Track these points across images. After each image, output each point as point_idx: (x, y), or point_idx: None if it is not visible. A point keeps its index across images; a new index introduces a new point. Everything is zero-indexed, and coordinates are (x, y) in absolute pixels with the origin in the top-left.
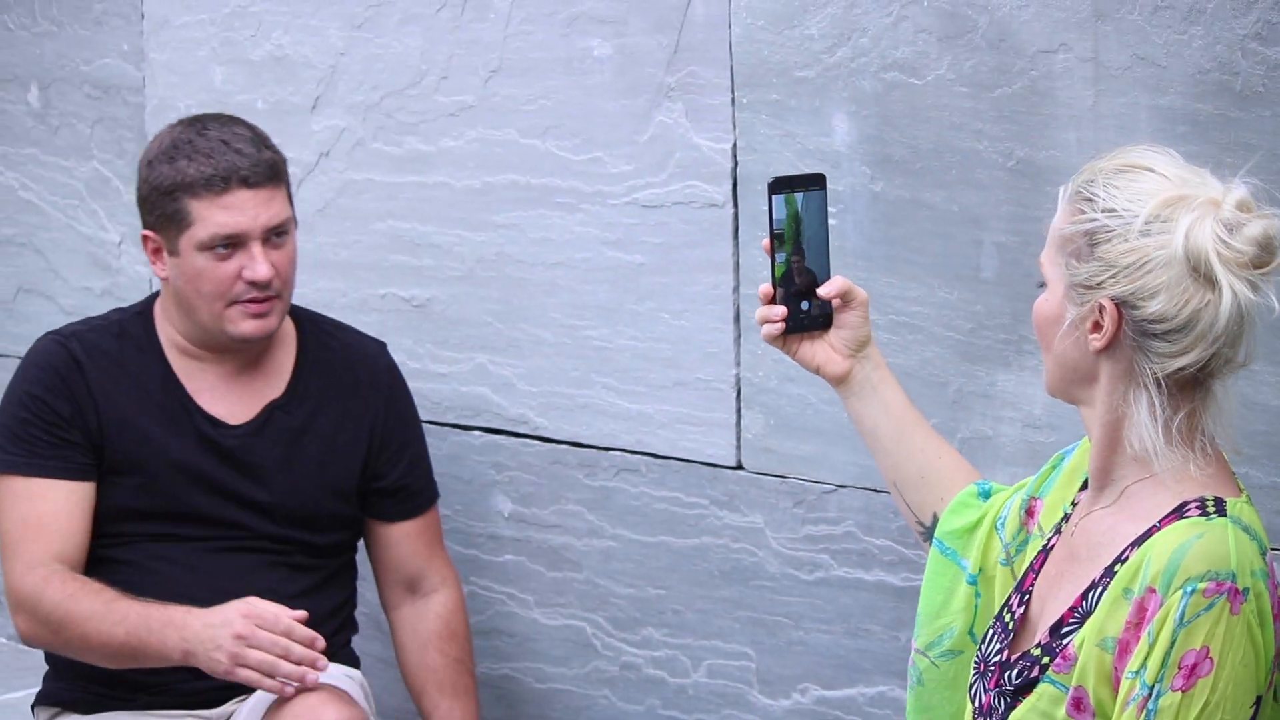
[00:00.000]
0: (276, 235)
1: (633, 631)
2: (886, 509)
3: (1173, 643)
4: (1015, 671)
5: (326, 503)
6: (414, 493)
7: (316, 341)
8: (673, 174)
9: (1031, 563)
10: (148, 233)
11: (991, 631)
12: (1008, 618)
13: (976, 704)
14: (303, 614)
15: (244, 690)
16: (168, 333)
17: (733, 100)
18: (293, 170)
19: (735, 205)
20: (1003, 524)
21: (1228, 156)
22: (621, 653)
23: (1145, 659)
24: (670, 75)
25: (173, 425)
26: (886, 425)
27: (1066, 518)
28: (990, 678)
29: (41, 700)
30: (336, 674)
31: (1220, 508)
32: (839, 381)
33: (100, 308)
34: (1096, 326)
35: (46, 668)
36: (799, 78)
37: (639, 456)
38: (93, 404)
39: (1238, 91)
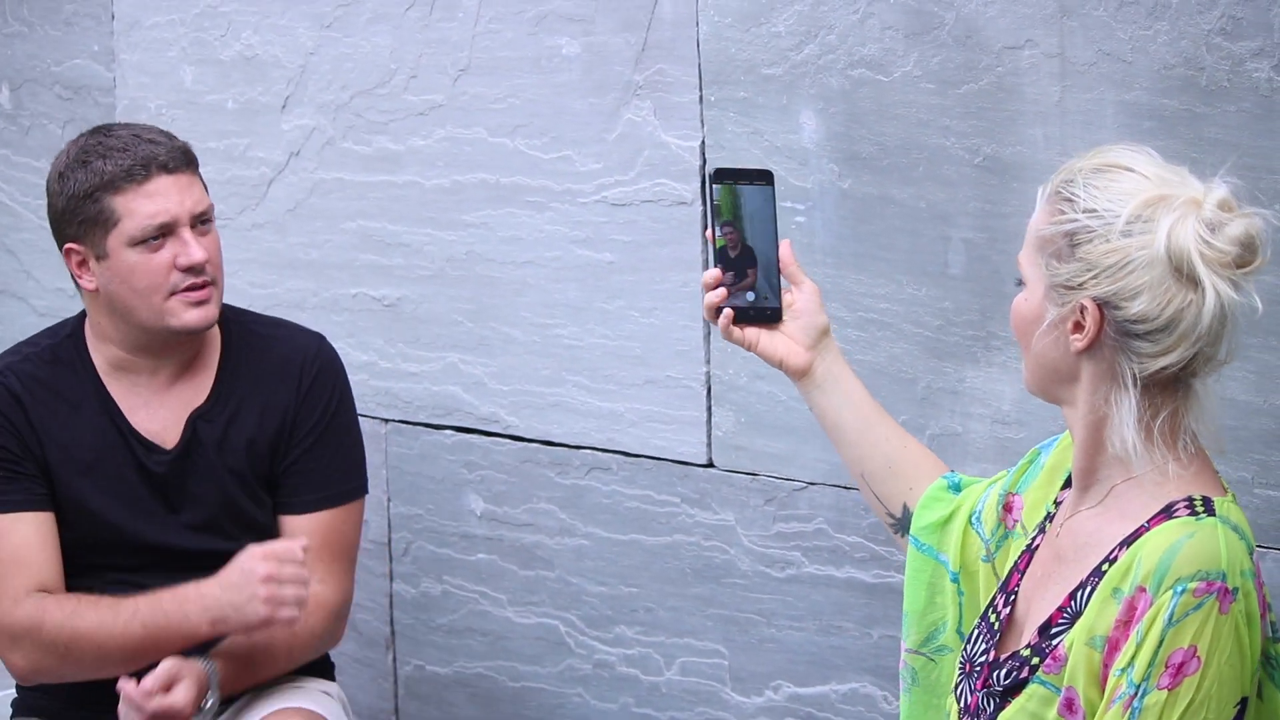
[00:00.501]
0: (203, 223)
1: (605, 630)
2: (857, 506)
3: (1161, 641)
4: (1004, 672)
5: (259, 507)
6: (308, 485)
7: (242, 341)
8: (641, 172)
9: (1016, 563)
10: (71, 245)
11: (977, 632)
12: (993, 618)
13: (962, 704)
14: (304, 541)
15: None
16: (100, 351)
17: (701, 98)
18: (262, 170)
19: (704, 203)
20: (979, 519)
21: (1194, 152)
22: (595, 651)
23: (1133, 657)
24: (638, 73)
25: (110, 453)
26: (851, 418)
27: (1050, 517)
28: (977, 678)
29: (17, 710)
30: (314, 691)
31: (1209, 507)
32: (801, 374)
33: (73, 308)
34: (1078, 327)
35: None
36: (766, 75)
37: (610, 455)
38: (36, 438)
39: (1203, 87)
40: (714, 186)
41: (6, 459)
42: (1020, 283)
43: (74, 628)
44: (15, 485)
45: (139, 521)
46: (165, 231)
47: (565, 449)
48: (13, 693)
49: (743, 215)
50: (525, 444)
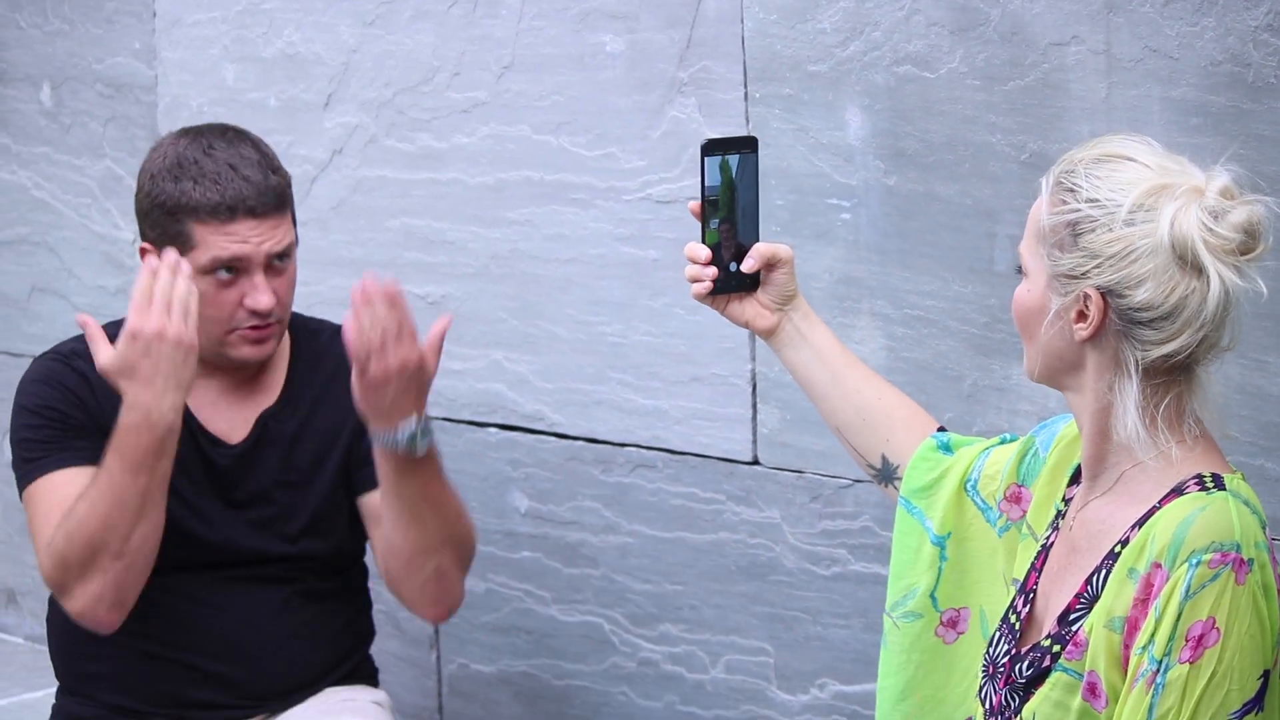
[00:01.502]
0: (279, 260)
1: (650, 627)
2: None
3: (1179, 615)
4: (1026, 664)
5: (326, 505)
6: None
7: (311, 350)
8: (686, 169)
9: (1033, 563)
10: (146, 245)
11: (998, 634)
12: (1013, 619)
13: (987, 706)
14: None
15: (259, 709)
16: None
17: (745, 95)
18: (305, 168)
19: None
20: (974, 488)
21: (1241, 148)
22: (639, 649)
23: (1153, 634)
24: (683, 70)
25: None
26: (820, 371)
27: (1060, 514)
28: (1000, 678)
29: (55, 716)
30: (365, 703)
31: (1219, 482)
32: (768, 335)
33: (114, 306)
34: (1081, 316)
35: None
36: (812, 72)
37: (655, 452)
38: (101, 417)
39: (1250, 83)
40: (706, 160)
41: (71, 426)
42: (1021, 272)
43: (76, 519)
44: (77, 443)
45: (196, 517)
46: (238, 269)
47: (610, 446)
48: (45, 694)
49: (736, 194)
50: (570, 441)
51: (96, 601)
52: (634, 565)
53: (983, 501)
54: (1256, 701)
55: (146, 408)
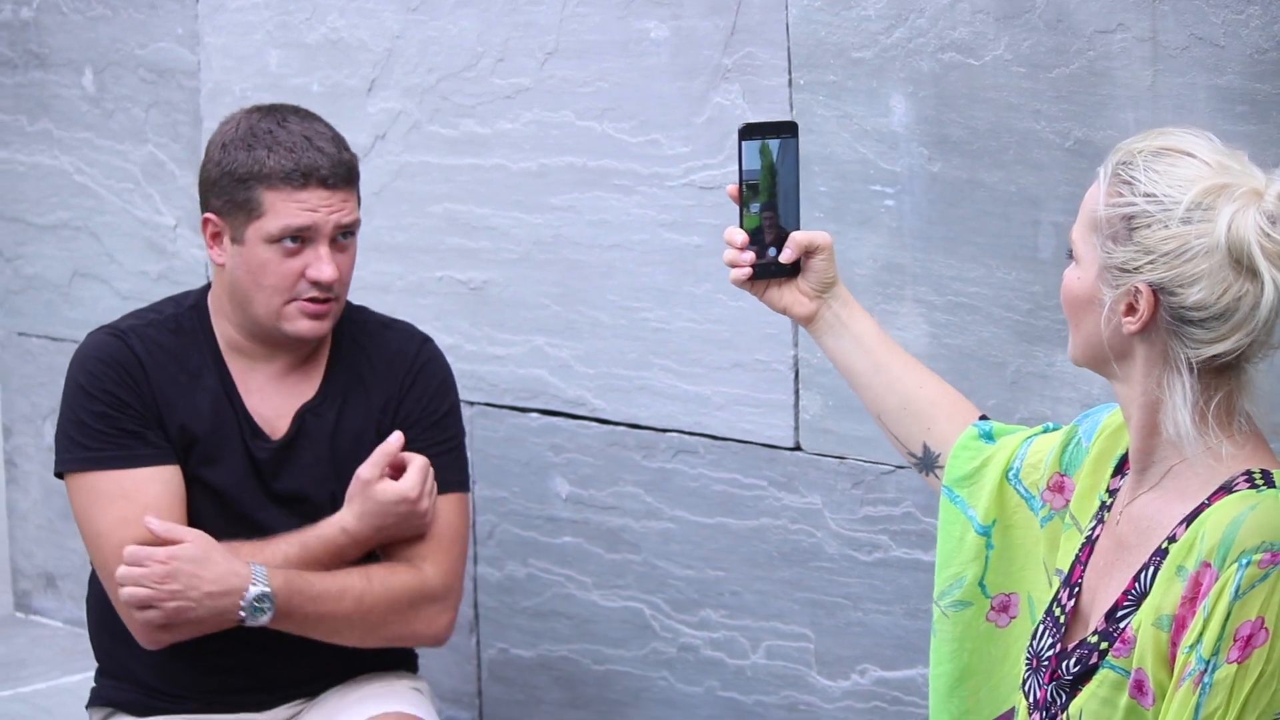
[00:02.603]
0: (344, 236)
1: (691, 613)
2: None
3: (1228, 615)
4: (1073, 660)
5: None
6: None
7: (352, 339)
8: (730, 155)
9: (1077, 555)
10: (210, 216)
11: (1042, 627)
12: (1058, 612)
13: (1031, 699)
14: (398, 438)
15: (297, 694)
16: (222, 328)
17: (789, 81)
18: None
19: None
20: (1017, 476)
21: None
22: (680, 634)
23: (1201, 633)
24: (727, 57)
25: (223, 428)
26: (861, 359)
27: (1106, 506)
28: (1044, 673)
29: (94, 700)
30: (403, 690)
31: (1269, 480)
32: (807, 322)
33: (156, 291)
34: (1131, 309)
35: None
36: (856, 59)
37: (697, 438)
38: (155, 404)
39: None
40: (744, 145)
41: (133, 415)
42: (1071, 257)
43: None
44: (142, 440)
45: (238, 505)
46: (304, 239)
47: (652, 432)
48: (89, 676)
49: (777, 179)
50: (611, 427)
51: (152, 629)
52: (675, 551)
53: (1026, 491)
54: None
55: (356, 543)
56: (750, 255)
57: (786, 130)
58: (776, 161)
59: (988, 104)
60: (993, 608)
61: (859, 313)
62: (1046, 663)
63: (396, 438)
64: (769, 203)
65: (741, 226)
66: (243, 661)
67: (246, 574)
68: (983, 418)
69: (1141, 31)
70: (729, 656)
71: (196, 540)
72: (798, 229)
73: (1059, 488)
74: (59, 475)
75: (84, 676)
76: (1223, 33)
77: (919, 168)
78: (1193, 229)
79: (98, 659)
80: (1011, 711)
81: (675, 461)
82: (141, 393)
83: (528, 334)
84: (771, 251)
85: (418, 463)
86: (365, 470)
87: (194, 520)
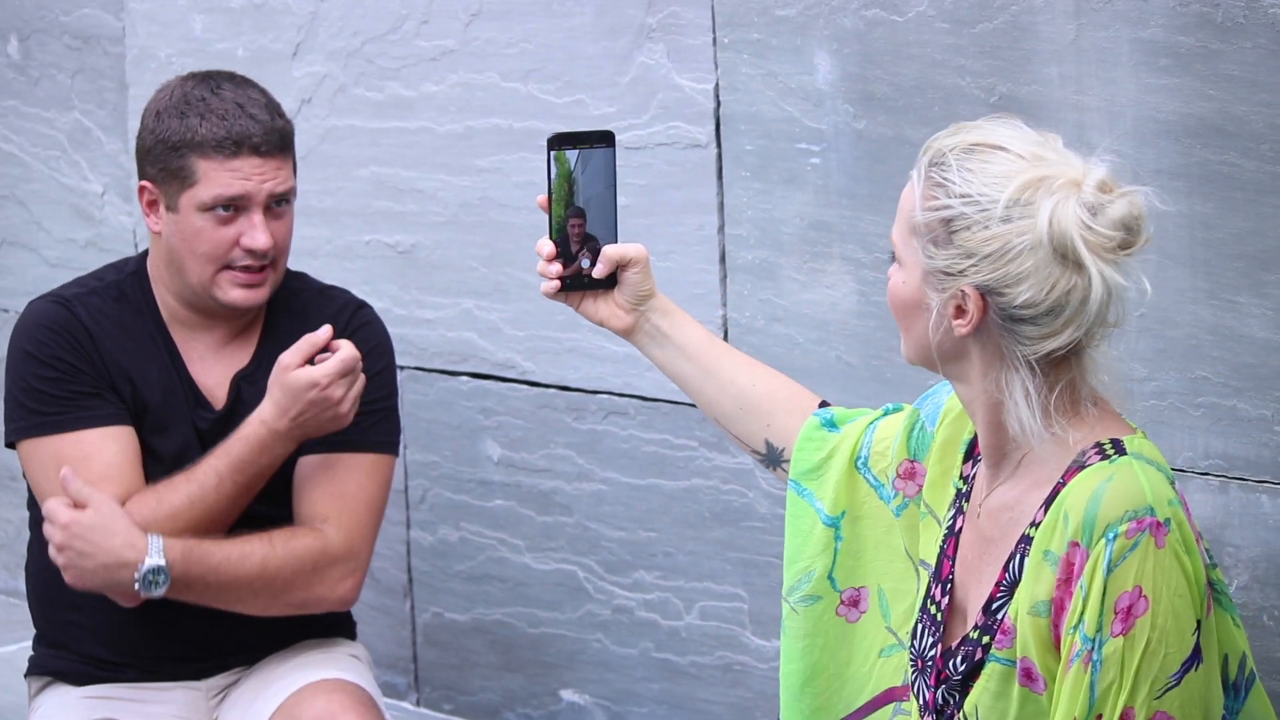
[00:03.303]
0: (278, 204)
1: (624, 575)
2: None
3: (1105, 590)
4: (959, 659)
5: (289, 466)
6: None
7: (286, 305)
8: (655, 115)
9: (943, 549)
10: (146, 184)
11: (920, 627)
12: (933, 609)
13: (921, 701)
14: (327, 330)
15: (235, 663)
16: (162, 296)
17: (714, 40)
18: None
19: (719, 145)
20: (865, 464)
21: (1210, 89)
22: (614, 596)
23: (1082, 613)
24: (651, 16)
25: (171, 397)
26: (687, 367)
27: (963, 495)
28: (930, 673)
29: (33, 669)
30: (341, 656)
31: (1119, 447)
32: (626, 334)
33: (84, 259)
34: (960, 311)
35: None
36: (780, 16)
37: (627, 399)
38: (106, 370)
39: (1218, 23)
40: (550, 154)
41: (86, 379)
42: (895, 259)
43: (166, 513)
44: (97, 401)
45: (179, 462)
46: (237, 207)
47: (582, 394)
48: (24, 646)
49: (576, 189)
50: (542, 389)
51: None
52: (607, 513)
53: (875, 479)
54: (1194, 656)
55: (274, 432)
56: (557, 267)
57: (601, 140)
58: (575, 171)
59: (912, 60)
60: (843, 602)
61: (682, 321)
62: (931, 663)
63: (325, 329)
64: (574, 214)
65: (550, 238)
66: (181, 630)
67: (142, 547)
68: (823, 404)
69: None
70: (663, 618)
71: (100, 506)
72: (614, 241)
73: (909, 474)
74: (10, 445)
75: (20, 646)
76: None
77: (844, 125)
78: (1013, 227)
79: (36, 626)
80: (863, 708)
81: (606, 423)
82: (92, 359)
83: (456, 297)
84: (585, 263)
85: (341, 352)
86: (286, 356)
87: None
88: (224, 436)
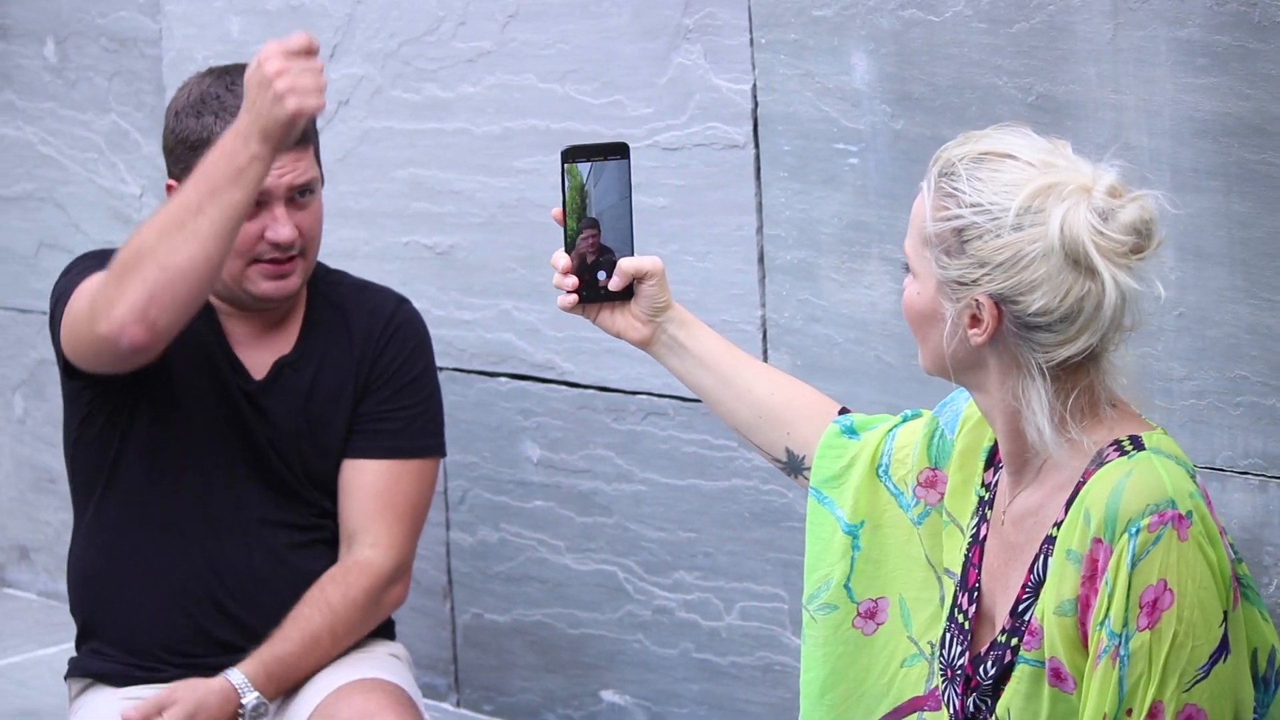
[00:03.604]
0: (301, 195)
1: (664, 575)
2: None
3: (1130, 585)
4: (989, 663)
5: (323, 462)
6: (379, 433)
7: (327, 299)
8: (693, 116)
9: (968, 557)
10: (172, 182)
11: (949, 636)
12: (961, 618)
13: (951, 710)
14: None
15: None
16: None
17: (751, 41)
18: None
19: (756, 146)
20: (886, 472)
21: (1247, 88)
22: (654, 597)
23: (1108, 609)
24: (688, 17)
25: (207, 361)
26: (705, 377)
27: (986, 503)
28: (960, 681)
29: (73, 671)
30: (381, 655)
31: (1137, 443)
32: (644, 345)
33: None
34: (975, 321)
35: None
36: (817, 17)
37: (666, 400)
38: None
39: (1256, 22)
40: (563, 167)
41: None
42: (909, 270)
43: (136, 239)
44: None
45: (214, 439)
46: (259, 202)
47: (621, 394)
48: (63, 649)
49: (589, 201)
50: (581, 390)
51: (128, 311)
52: (647, 513)
53: (895, 487)
54: (1222, 648)
55: (235, 133)
56: (573, 280)
57: (615, 152)
58: (587, 184)
59: (949, 60)
60: (859, 614)
61: (700, 331)
62: (960, 671)
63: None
64: (589, 226)
65: (565, 250)
66: (225, 616)
67: (235, 695)
68: (843, 411)
69: None
70: (703, 618)
71: (177, 692)
72: (630, 254)
73: (930, 482)
74: (56, 327)
75: (60, 649)
76: None
77: (882, 125)
78: (1025, 235)
79: (77, 627)
80: (885, 718)
81: (645, 424)
82: None
83: (495, 298)
84: (601, 275)
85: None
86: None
87: (170, 462)
88: (263, 405)
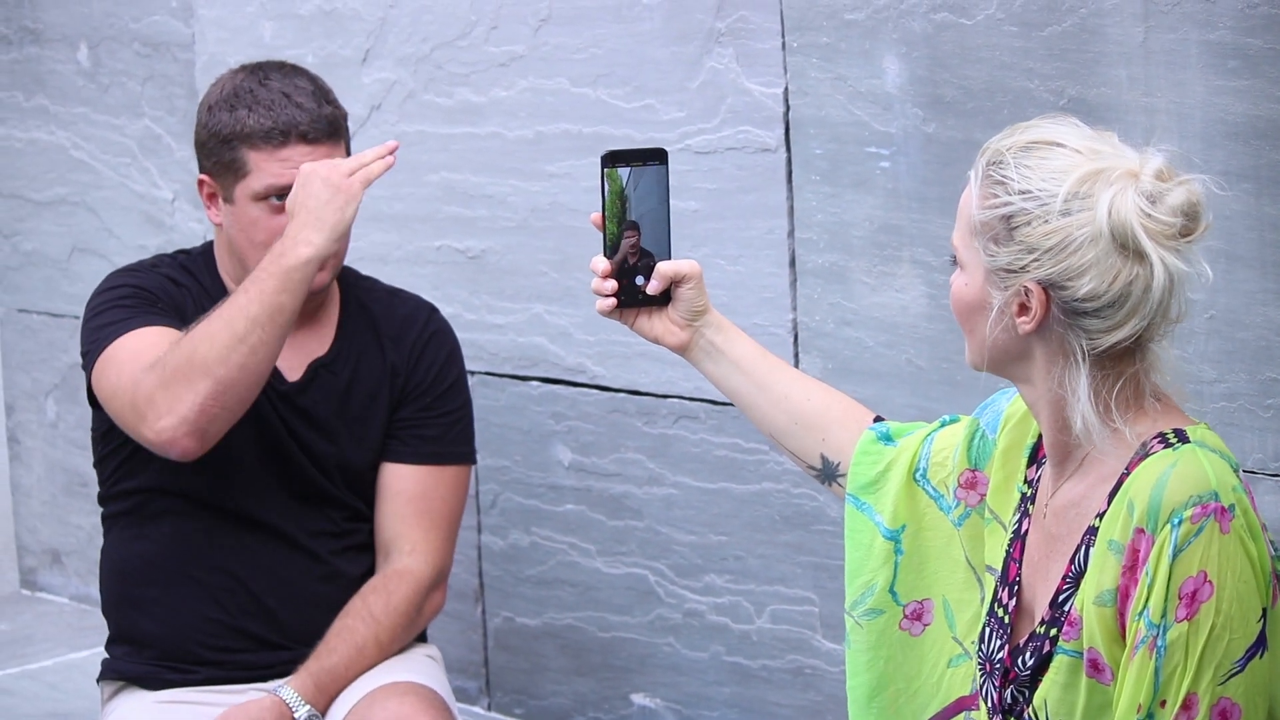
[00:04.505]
0: None
1: (695, 579)
2: None
3: (1170, 576)
4: (1027, 654)
5: (371, 466)
6: (417, 438)
7: (358, 302)
8: (725, 119)
9: (1009, 553)
10: (204, 177)
11: (988, 630)
12: (1000, 613)
13: (989, 704)
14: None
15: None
16: (229, 285)
17: (783, 44)
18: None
19: (788, 149)
20: (924, 476)
21: (1278, 90)
22: (685, 600)
23: (1147, 600)
24: (720, 20)
25: None
26: (743, 382)
27: (1026, 499)
28: (998, 675)
29: (106, 674)
30: (418, 657)
31: (1182, 436)
32: (681, 350)
33: None
34: (1023, 309)
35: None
36: (849, 20)
37: (697, 403)
38: (184, 313)
39: None
40: (603, 172)
41: (161, 302)
42: (956, 263)
43: (190, 341)
44: (166, 314)
45: (242, 443)
46: (288, 196)
47: (652, 398)
48: (95, 653)
49: (629, 206)
50: (612, 394)
51: (180, 422)
52: (678, 516)
53: (934, 490)
54: (1259, 644)
55: (285, 239)
56: (613, 285)
57: (654, 158)
58: (627, 188)
59: (981, 63)
60: (905, 616)
61: (736, 336)
62: (999, 664)
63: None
64: (629, 230)
65: (605, 255)
66: (253, 623)
67: (287, 711)
68: (878, 419)
69: None
70: (733, 621)
71: (231, 715)
72: (668, 258)
73: (971, 484)
74: (87, 368)
75: (91, 652)
76: None
77: (914, 129)
78: (1073, 220)
79: (109, 628)
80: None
81: (676, 427)
82: (172, 296)
83: (526, 302)
84: (640, 280)
85: None
86: None
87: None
88: (296, 407)
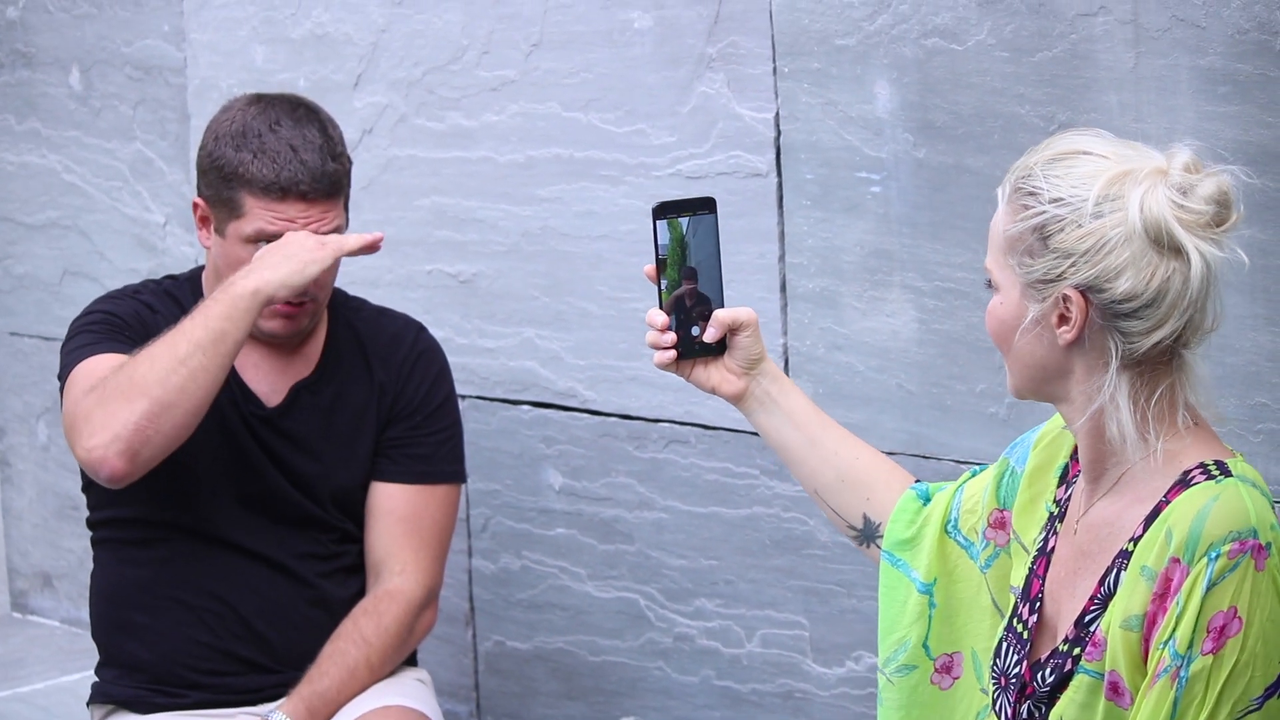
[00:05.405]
0: None
1: (686, 603)
2: (937, 475)
3: (1201, 608)
4: (1048, 670)
5: (359, 486)
6: (406, 457)
7: (346, 323)
8: (716, 144)
9: (1032, 568)
10: (199, 201)
11: (1005, 645)
12: (1020, 627)
13: (1002, 718)
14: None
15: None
16: None
17: (774, 69)
18: None
19: (779, 174)
20: (955, 527)
21: (1269, 116)
22: (675, 624)
23: (1174, 629)
24: (711, 46)
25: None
26: (794, 435)
27: (1054, 517)
28: (1012, 690)
29: (95, 697)
30: (408, 680)
31: (1224, 469)
32: (736, 400)
33: None
34: (1063, 319)
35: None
36: (840, 46)
37: (688, 428)
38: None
39: (1277, 51)
40: (657, 223)
41: (131, 329)
42: (991, 286)
43: (131, 365)
44: (131, 342)
45: (223, 471)
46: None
47: (643, 422)
48: (85, 676)
49: (688, 254)
50: (603, 418)
51: (113, 439)
52: (668, 541)
53: (964, 539)
54: (1278, 685)
55: (242, 269)
56: (671, 337)
57: (703, 207)
58: (687, 235)
59: (972, 89)
60: (936, 669)
61: (789, 387)
62: (1015, 680)
63: None
64: (687, 279)
65: (660, 307)
66: (244, 645)
67: None
68: (917, 481)
69: (1123, 14)
70: (724, 645)
71: None
72: (721, 305)
73: (1000, 524)
74: (61, 384)
75: (82, 675)
76: (1204, 14)
77: (904, 154)
78: (1106, 221)
79: (99, 651)
80: None
81: (667, 451)
82: (145, 323)
83: (517, 326)
84: (694, 330)
85: None
86: None
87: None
88: (279, 430)
